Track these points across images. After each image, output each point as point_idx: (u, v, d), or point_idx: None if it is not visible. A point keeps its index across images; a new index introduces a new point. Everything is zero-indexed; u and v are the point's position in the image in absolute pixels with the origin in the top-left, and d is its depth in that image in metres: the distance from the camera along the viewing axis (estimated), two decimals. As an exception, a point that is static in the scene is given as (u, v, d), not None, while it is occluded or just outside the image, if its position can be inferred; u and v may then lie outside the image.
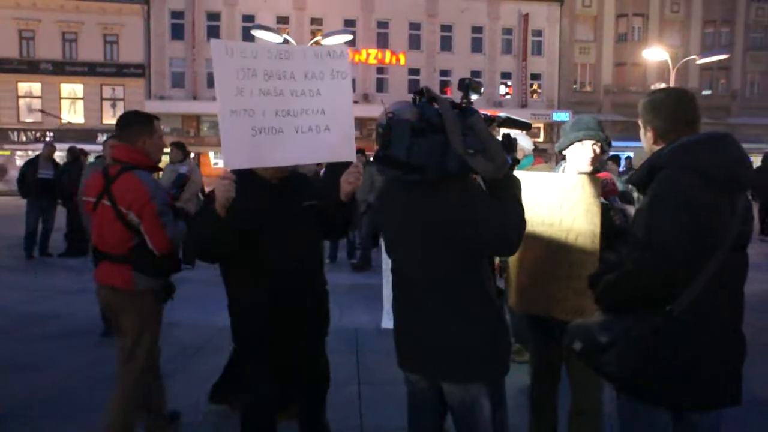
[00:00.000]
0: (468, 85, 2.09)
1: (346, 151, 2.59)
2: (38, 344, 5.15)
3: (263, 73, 2.43)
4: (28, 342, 5.23)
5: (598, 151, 2.78)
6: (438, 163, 1.94)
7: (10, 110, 30.44)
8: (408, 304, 2.19)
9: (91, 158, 10.94)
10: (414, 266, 2.14)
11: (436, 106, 1.99)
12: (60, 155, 10.20)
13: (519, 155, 4.92)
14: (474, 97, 2.12)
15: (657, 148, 2.07)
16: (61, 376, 4.42)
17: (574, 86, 35.43)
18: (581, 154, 2.79)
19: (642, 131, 2.17)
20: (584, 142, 2.78)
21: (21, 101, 30.78)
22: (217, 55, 2.37)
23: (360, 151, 9.85)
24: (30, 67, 30.14)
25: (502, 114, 2.23)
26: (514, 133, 2.35)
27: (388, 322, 3.96)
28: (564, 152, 2.87)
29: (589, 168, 2.77)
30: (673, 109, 2.06)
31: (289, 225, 2.67)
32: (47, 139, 27.97)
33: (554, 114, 33.52)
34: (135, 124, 3.10)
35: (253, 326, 2.70)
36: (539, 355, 2.96)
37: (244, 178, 2.56)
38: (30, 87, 30.69)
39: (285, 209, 2.68)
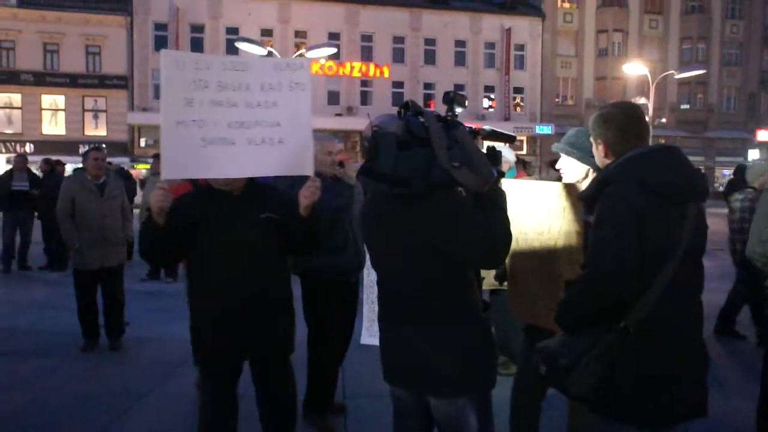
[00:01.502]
0: (452, 99, 2.11)
1: (303, 164, 2.53)
2: (17, 361, 5.04)
3: (216, 84, 2.42)
4: (7, 358, 5.11)
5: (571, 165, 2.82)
6: (423, 175, 1.94)
7: (-11, 121, 30.05)
8: (393, 318, 2.17)
9: (69, 170, 10.81)
10: (399, 280, 2.13)
11: (422, 119, 2.00)
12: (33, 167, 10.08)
13: (505, 167, 4.97)
14: (458, 110, 2.13)
15: (608, 161, 2.10)
16: (41, 393, 4.32)
17: (557, 100, 35.91)
18: (563, 166, 2.85)
19: (594, 145, 2.20)
20: (562, 155, 2.84)
21: (0, 112, 30.39)
22: (166, 66, 2.38)
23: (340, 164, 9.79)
24: (10, 78, 29.79)
25: (487, 127, 2.24)
26: (497, 145, 2.36)
27: (367, 338, 3.97)
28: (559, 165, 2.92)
29: (573, 178, 2.81)
30: (622, 122, 2.09)
31: (240, 237, 2.61)
32: (27, 150, 27.62)
33: (537, 127, 33.90)
34: None
35: (204, 338, 2.70)
36: (524, 367, 2.95)
37: (200, 188, 2.68)
38: (10, 98, 30.30)
39: (237, 220, 2.62)
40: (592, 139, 2.21)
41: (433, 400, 2.14)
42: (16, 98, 30.27)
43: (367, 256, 3.23)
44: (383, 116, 2.19)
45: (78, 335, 5.37)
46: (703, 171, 21.86)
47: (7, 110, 30.37)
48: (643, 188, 1.88)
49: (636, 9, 35.93)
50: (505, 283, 2.95)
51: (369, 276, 3.82)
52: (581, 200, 2.19)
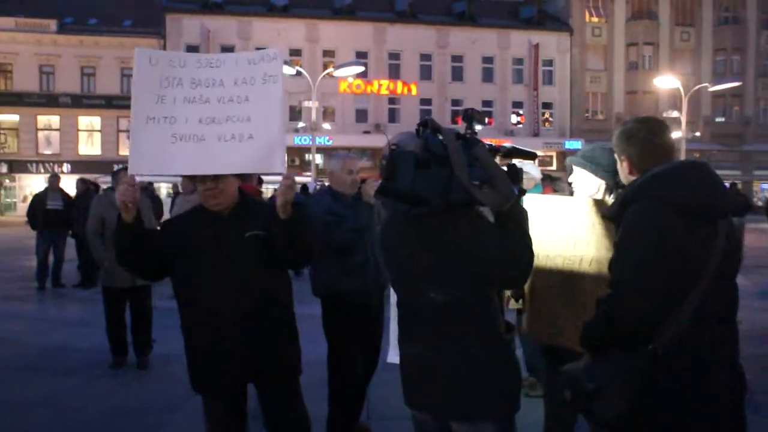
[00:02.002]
0: (471, 116, 2.07)
1: (273, 161, 2.38)
2: (47, 377, 5.11)
3: (190, 81, 2.40)
4: (37, 374, 5.19)
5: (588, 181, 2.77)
6: (442, 194, 1.90)
7: (30, 143, 31.08)
8: (413, 339, 2.13)
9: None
10: (418, 301, 2.09)
11: (440, 137, 1.97)
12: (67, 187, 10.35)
13: (530, 184, 4.89)
14: (478, 127, 2.09)
15: (633, 178, 2.03)
16: (69, 410, 4.36)
17: (586, 114, 35.54)
18: (575, 179, 2.80)
19: (618, 162, 2.13)
20: (575, 168, 2.79)
21: (40, 134, 31.44)
22: (139, 64, 2.40)
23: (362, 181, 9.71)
24: (49, 101, 30.86)
25: (507, 144, 2.20)
26: (522, 162, 2.31)
27: (394, 357, 3.88)
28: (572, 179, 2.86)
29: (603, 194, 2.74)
30: (646, 138, 2.02)
31: (223, 259, 2.47)
32: (64, 170, 28.49)
33: (566, 142, 33.55)
34: None
35: (195, 365, 2.58)
36: (553, 391, 2.86)
37: (195, 209, 2.62)
38: (49, 120, 31.37)
39: (222, 242, 2.49)
40: (616, 156, 2.14)
41: (455, 425, 2.08)
42: (54, 120, 31.35)
43: None
44: (402, 134, 2.16)
45: (107, 352, 5.43)
46: (740, 186, 21.26)
47: (46, 132, 31.46)
48: (667, 206, 1.81)
49: (667, 21, 35.48)
50: (520, 302, 2.88)
51: (394, 294, 3.78)
52: (606, 218, 2.12)
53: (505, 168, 2.06)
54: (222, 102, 2.39)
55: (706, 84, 26.34)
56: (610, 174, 2.69)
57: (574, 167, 2.79)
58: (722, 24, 35.98)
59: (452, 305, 2.02)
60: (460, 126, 2.10)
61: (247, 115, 2.38)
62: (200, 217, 2.58)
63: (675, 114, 28.39)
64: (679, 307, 1.77)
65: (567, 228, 2.58)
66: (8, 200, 31.52)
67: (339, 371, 3.58)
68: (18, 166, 30.96)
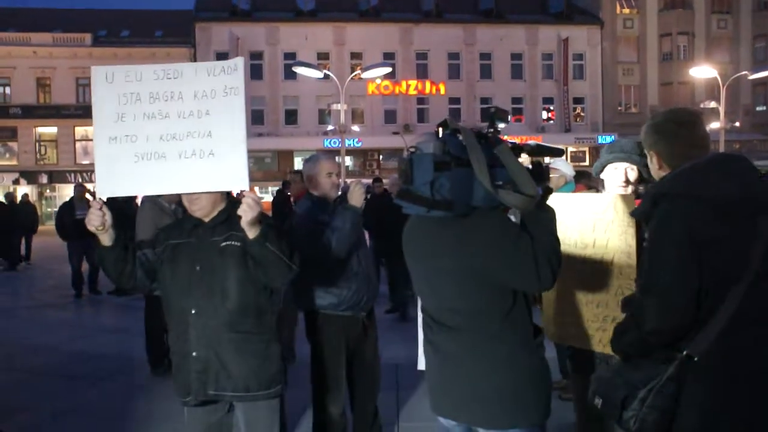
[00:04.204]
0: (493, 114, 2.00)
1: (236, 178, 2.25)
2: (85, 385, 5.20)
3: (148, 95, 2.30)
4: (75, 382, 5.29)
5: (632, 175, 2.63)
6: (463, 197, 1.84)
7: (68, 153, 31.99)
8: (438, 345, 2.07)
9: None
10: (442, 306, 2.03)
11: (460, 137, 1.91)
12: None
13: (560, 182, 4.76)
14: (501, 125, 2.02)
15: (663, 173, 1.92)
16: (107, 417, 4.42)
17: (619, 108, 34.81)
18: (614, 177, 2.66)
19: (648, 157, 2.03)
20: (616, 164, 2.65)
21: (78, 144, 32.33)
22: (96, 82, 2.33)
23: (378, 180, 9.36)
24: (86, 112, 31.64)
25: (532, 142, 2.12)
26: (554, 160, 2.23)
27: (423, 363, 3.77)
28: (601, 176, 2.74)
29: (622, 190, 2.63)
30: (676, 131, 1.91)
31: (197, 267, 2.40)
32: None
33: (599, 137, 32.91)
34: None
35: (174, 372, 2.52)
36: (583, 395, 2.76)
37: (183, 218, 2.57)
38: (86, 131, 32.23)
39: (198, 250, 2.43)
40: (645, 151, 2.04)
41: (483, 432, 2.02)
42: (91, 131, 31.88)
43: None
44: (424, 135, 2.11)
45: (144, 359, 5.50)
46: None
47: (84, 142, 32.32)
48: (701, 203, 1.70)
49: (702, 9, 34.49)
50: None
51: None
52: (635, 217, 2.02)
53: (529, 167, 1.99)
54: (182, 117, 2.28)
55: (746, 72, 25.53)
56: (642, 161, 2.61)
57: (608, 166, 2.68)
58: (761, 9, 34.77)
59: (476, 309, 1.96)
60: (472, 127, 2.03)
61: (208, 131, 2.26)
62: (184, 223, 2.55)
63: (713, 104, 27.51)
64: (716, 310, 1.67)
65: (586, 226, 2.49)
66: (49, 210, 32.47)
67: (323, 393, 3.24)
68: (57, 176, 31.90)
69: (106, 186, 2.31)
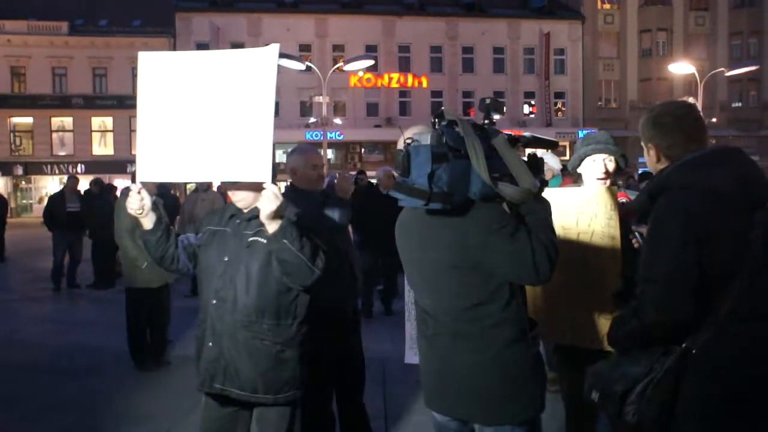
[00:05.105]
0: (489, 105, 1.98)
1: (259, 170, 2.20)
2: (66, 379, 5.10)
3: (189, 82, 2.30)
4: (56, 377, 5.19)
5: (611, 165, 2.65)
6: (461, 189, 1.82)
7: (44, 144, 31.36)
8: (432, 339, 2.05)
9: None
10: (437, 299, 2.01)
11: (457, 128, 1.88)
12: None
13: (547, 175, 4.77)
14: (496, 117, 2.00)
15: (661, 167, 1.92)
16: (89, 412, 4.35)
17: (599, 103, 35.13)
18: (593, 169, 2.67)
19: (645, 150, 2.02)
20: (594, 156, 2.66)
21: (54, 135, 31.71)
22: (142, 68, 2.35)
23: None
24: (63, 102, 31.10)
25: (527, 133, 2.10)
26: (540, 152, 2.22)
27: (411, 357, 3.74)
28: (579, 170, 2.75)
29: (601, 183, 2.63)
30: (675, 123, 1.91)
31: (224, 258, 2.41)
32: (78, 170, 28.73)
33: (580, 132, 33.13)
34: None
35: (198, 362, 2.51)
36: (572, 392, 2.76)
37: (226, 207, 2.60)
38: (63, 121, 31.63)
39: (229, 242, 2.43)
40: (642, 144, 2.04)
41: (477, 428, 2.01)
42: (68, 121, 31.60)
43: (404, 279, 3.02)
44: (418, 127, 2.08)
45: (123, 353, 5.42)
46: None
47: (60, 133, 31.72)
48: (700, 195, 1.70)
49: (681, 6, 34.88)
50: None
51: (410, 293, 3.66)
52: (631, 211, 2.01)
53: (525, 159, 1.98)
54: (216, 105, 2.27)
55: (722, 69, 25.88)
56: (617, 151, 2.67)
57: (586, 159, 2.69)
58: (737, 7, 35.30)
59: (472, 303, 1.94)
60: (473, 117, 2.01)
61: (239, 118, 2.24)
62: (225, 211, 2.57)
63: (691, 100, 27.85)
64: (716, 303, 1.67)
65: (569, 220, 2.48)
66: (24, 202, 31.87)
67: (309, 390, 3.02)
68: (33, 167, 31.27)
69: (144, 171, 2.35)
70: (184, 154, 2.29)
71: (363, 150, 32.92)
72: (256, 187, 2.30)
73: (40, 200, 30.60)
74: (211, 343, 2.40)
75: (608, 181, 2.64)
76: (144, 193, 2.36)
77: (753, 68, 24.37)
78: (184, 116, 2.30)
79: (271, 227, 2.21)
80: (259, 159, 2.19)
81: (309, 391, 3.12)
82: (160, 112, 2.33)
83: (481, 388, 1.94)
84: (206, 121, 2.28)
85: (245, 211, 2.45)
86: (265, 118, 2.21)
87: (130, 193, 2.37)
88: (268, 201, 2.15)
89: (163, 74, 2.34)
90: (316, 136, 27.45)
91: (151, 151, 2.34)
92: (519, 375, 1.96)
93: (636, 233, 2.50)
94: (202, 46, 31.15)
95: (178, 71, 2.34)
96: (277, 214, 2.19)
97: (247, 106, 2.23)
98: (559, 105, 34.99)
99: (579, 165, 2.73)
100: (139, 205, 2.35)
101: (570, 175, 5.41)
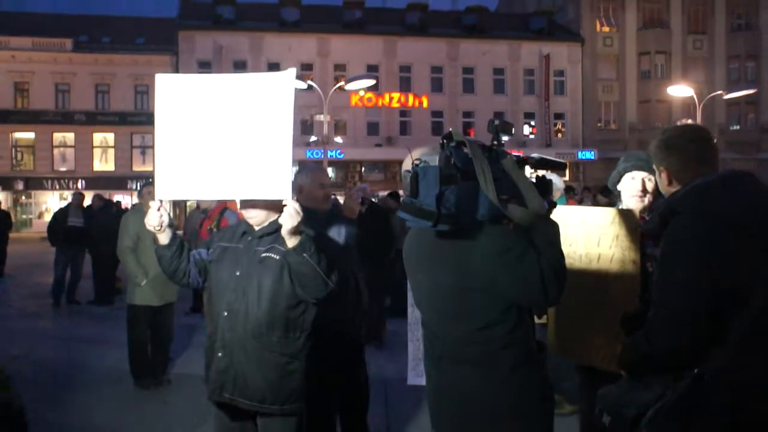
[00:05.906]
0: (498, 127, 1.99)
1: (279, 188, 2.27)
2: (65, 396, 5.06)
3: (207, 104, 2.38)
4: (55, 394, 5.14)
5: (649, 185, 2.61)
6: (469, 210, 1.82)
7: (45, 160, 31.42)
8: (439, 361, 2.04)
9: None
10: (444, 320, 2.00)
11: (466, 150, 1.89)
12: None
13: (556, 195, 4.78)
14: (505, 138, 2.01)
15: (673, 190, 1.92)
16: (93, 430, 4.30)
17: (599, 124, 35.32)
18: (631, 186, 2.65)
19: (657, 173, 2.03)
20: (633, 173, 2.64)
21: (56, 151, 31.80)
22: (160, 89, 2.42)
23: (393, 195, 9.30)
24: (65, 118, 31.23)
25: (536, 155, 2.11)
26: (541, 172, 2.22)
27: (414, 378, 3.72)
28: (618, 187, 2.74)
29: (638, 201, 2.62)
30: (687, 146, 1.92)
31: (235, 274, 2.47)
32: (79, 186, 28.76)
33: (579, 153, 33.33)
34: None
35: (207, 373, 2.58)
36: (589, 411, 2.73)
37: (239, 223, 2.66)
38: (64, 137, 31.73)
39: (241, 258, 2.50)
40: (655, 167, 2.04)
41: (483, 451, 1.99)
42: (69, 137, 31.71)
43: (409, 295, 3.01)
44: (426, 148, 2.09)
45: (123, 370, 5.36)
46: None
47: (62, 149, 31.79)
48: (712, 220, 1.70)
49: (679, 30, 35.26)
50: (544, 317, 2.76)
51: (413, 313, 3.64)
52: (646, 233, 2.01)
53: (533, 180, 1.98)
54: (235, 125, 2.36)
55: (720, 92, 26.09)
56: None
57: (625, 175, 2.68)
58: (735, 31, 35.67)
59: (479, 325, 1.93)
60: (473, 138, 2.01)
61: (257, 139, 2.33)
62: (238, 228, 2.64)
63: (690, 122, 28.08)
64: (728, 328, 1.66)
65: (591, 240, 2.48)
66: (24, 217, 31.81)
67: (313, 411, 2.97)
68: (34, 183, 31.28)
69: (163, 189, 2.42)
70: (205, 173, 2.37)
71: (363, 169, 33.00)
72: (270, 206, 2.44)
73: (40, 215, 30.59)
74: (221, 354, 2.47)
75: (646, 200, 2.63)
76: (163, 210, 2.44)
77: (751, 91, 24.62)
78: (203, 136, 2.38)
79: (291, 242, 2.32)
80: (279, 177, 2.29)
81: (314, 407, 3.11)
82: (178, 132, 2.40)
83: (487, 411, 1.92)
84: (226, 142, 2.35)
85: (257, 228, 2.53)
86: (285, 138, 2.31)
87: (150, 210, 2.44)
88: (290, 217, 2.25)
89: (181, 96, 2.42)
90: (317, 154, 27.54)
91: (171, 170, 2.40)
92: (525, 398, 1.94)
93: (653, 257, 2.49)
94: (204, 65, 31.41)
95: (196, 93, 2.41)
96: (297, 230, 2.30)
97: (267, 128, 2.32)
98: (558, 126, 35.16)
99: (619, 181, 2.72)
100: (158, 222, 2.44)
101: (570, 195, 5.41)
